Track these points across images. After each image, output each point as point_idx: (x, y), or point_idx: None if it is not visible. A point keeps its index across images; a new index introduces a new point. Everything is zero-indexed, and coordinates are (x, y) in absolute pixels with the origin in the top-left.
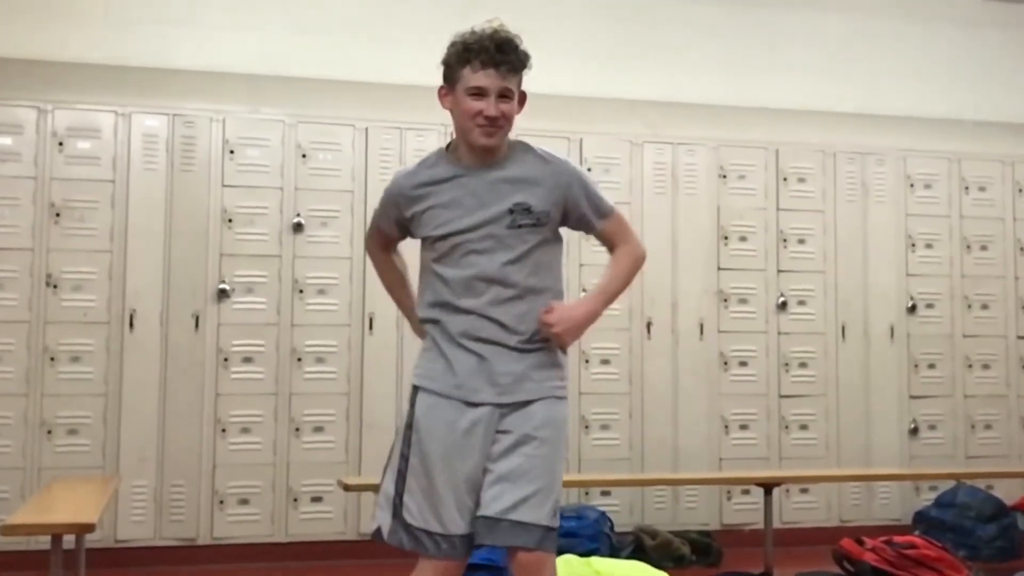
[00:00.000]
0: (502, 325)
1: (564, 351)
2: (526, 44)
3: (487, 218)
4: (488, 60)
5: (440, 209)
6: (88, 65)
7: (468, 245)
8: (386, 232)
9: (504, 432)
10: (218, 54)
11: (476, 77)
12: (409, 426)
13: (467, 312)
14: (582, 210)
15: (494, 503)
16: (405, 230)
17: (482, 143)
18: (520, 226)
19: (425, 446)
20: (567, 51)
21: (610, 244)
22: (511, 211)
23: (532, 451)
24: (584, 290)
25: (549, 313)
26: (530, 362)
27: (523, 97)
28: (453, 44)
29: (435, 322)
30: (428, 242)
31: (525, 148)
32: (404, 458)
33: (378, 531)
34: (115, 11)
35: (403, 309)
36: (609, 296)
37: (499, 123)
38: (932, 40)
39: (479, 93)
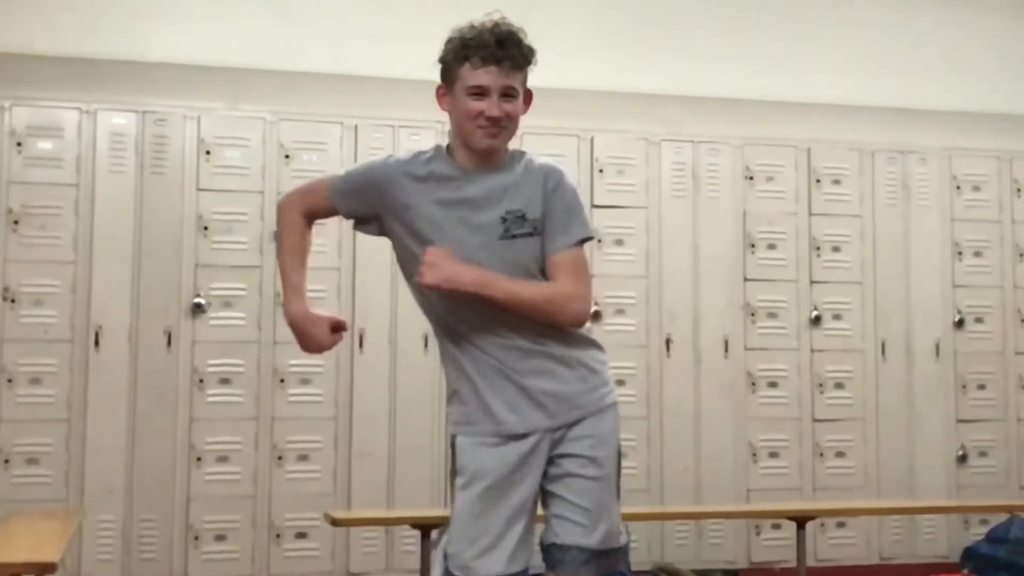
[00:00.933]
0: (516, 345)
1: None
2: (531, 35)
3: (481, 224)
4: (489, 56)
5: (434, 210)
6: (49, 58)
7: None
8: (328, 205)
9: (560, 456)
10: (193, 45)
11: (476, 75)
12: (454, 472)
13: (476, 336)
14: (552, 221)
15: (563, 533)
16: (364, 219)
17: (485, 145)
18: (514, 236)
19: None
20: (576, 41)
21: (552, 278)
22: (503, 219)
23: (590, 473)
24: (596, 303)
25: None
26: (566, 377)
27: (528, 96)
28: (450, 40)
29: (454, 351)
30: (414, 243)
31: (523, 154)
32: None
33: None
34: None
35: (288, 282)
36: (507, 292)
37: (502, 123)
38: (979, 27)
39: (480, 92)
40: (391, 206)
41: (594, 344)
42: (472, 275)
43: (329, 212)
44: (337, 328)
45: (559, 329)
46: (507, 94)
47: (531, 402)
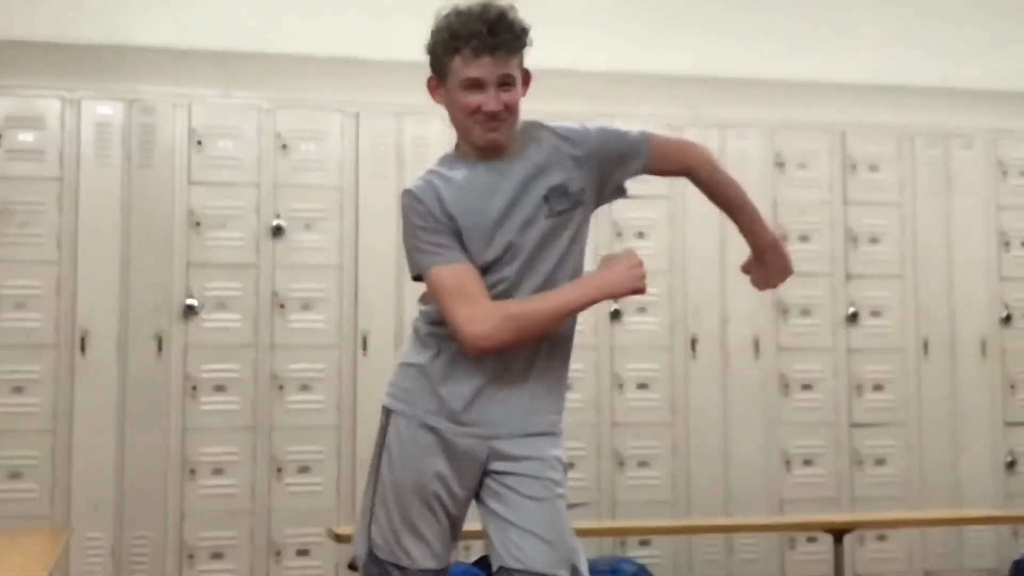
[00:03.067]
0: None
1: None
2: (540, 14)
3: (524, 217)
4: (480, 47)
5: (472, 222)
6: (29, 43)
7: (508, 251)
8: (472, 266)
9: (501, 473)
10: (182, 28)
11: (469, 68)
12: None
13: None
14: (632, 156)
15: (510, 556)
16: (458, 245)
17: (487, 140)
18: (560, 213)
19: None
20: (592, 20)
21: (679, 165)
22: (546, 198)
23: (537, 493)
24: (615, 301)
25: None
26: (551, 391)
27: (527, 76)
28: (437, 30)
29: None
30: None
31: (538, 127)
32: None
33: None
34: None
35: (572, 293)
36: (759, 214)
37: (502, 116)
38: None
39: (475, 85)
40: (454, 227)
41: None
42: (780, 241)
43: (473, 277)
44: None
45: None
46: (504, 82)
47: (499, 403)
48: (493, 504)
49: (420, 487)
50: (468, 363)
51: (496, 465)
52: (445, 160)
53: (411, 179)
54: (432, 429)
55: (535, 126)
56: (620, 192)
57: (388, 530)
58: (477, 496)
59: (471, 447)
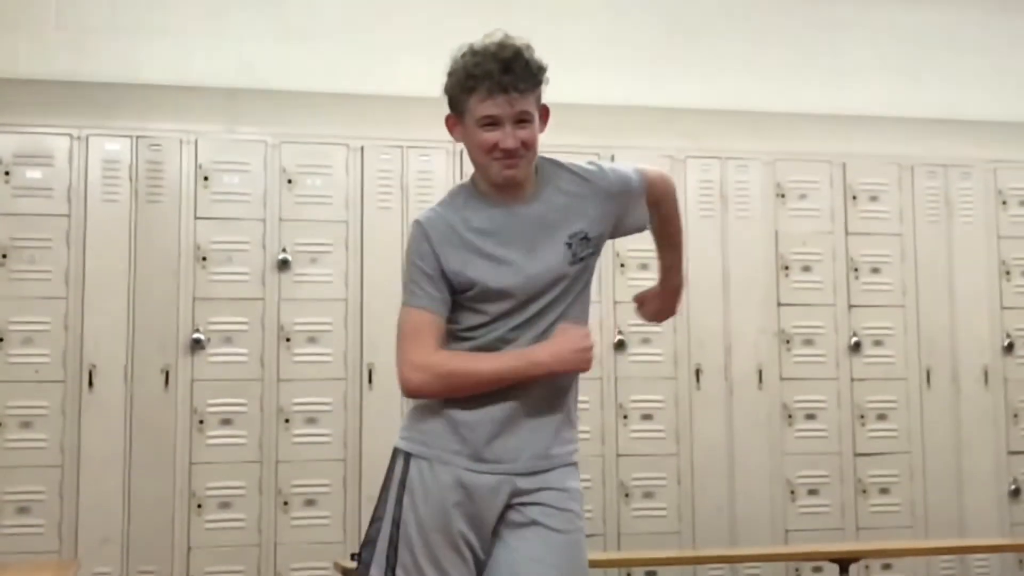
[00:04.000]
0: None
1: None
2: (545, 48)
3: (546, 263)
4: (495, 86)
5: (486, 260)
6: (37, 81)
7: (525, 299)
8: (438, 321)
9: (524, 504)
10: (189, 66)
11: (485, 106)
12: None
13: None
14: (639, 197)
15: None
16: (446, 292)
17: (502, 178)
18: (582, 259)
19: None
20: (593, 53)
21: (659, 194)
22: (568, 244)
23: (558, 525)
24: (620, 332)
25: (644, 308)
26: (560, 426)
27: (545, 112)
28: (452, 72)
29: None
30: (470, 301)
31: (556, 167)
32: None
33: None
34: (69, 19)
35: (511, 360)
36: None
37: (519, 153)
38: None
39: (492, 123)
40: (457, 268)
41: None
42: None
43: (439, 329)
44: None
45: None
46: (521, 120)
47: (519, 439)
48: (511, 538)
49: (446, 527)
50: (484, 401)
51: (518, 498)
52: (461, 193)
53: (418, 211)
54: (455, 469)
55: (553, 165)
56: (637, 230)
57: (415, 573)
58: (494, 530)
59: (494, 483)
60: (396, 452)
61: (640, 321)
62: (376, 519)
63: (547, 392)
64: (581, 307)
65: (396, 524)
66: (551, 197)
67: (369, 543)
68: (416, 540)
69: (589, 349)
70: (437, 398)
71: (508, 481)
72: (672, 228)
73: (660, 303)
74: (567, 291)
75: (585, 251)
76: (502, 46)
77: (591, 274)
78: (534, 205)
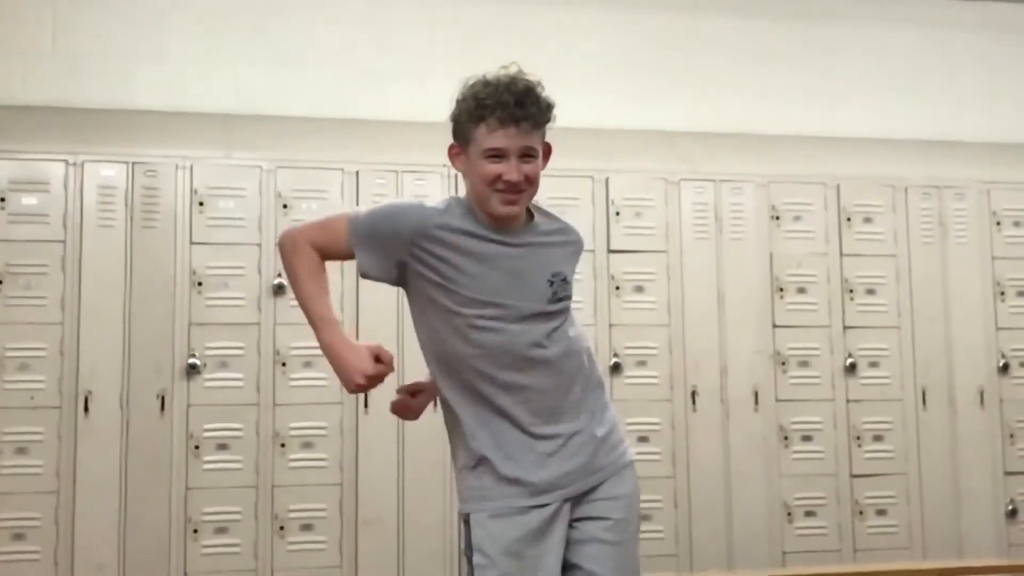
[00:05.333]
0: (557, 406)
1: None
2: (540, 71)
3: (531, 293)
4: (507, 118)
5: (471, 266)
6: (33, 107)
7: (501, 311)
8: (343, 245)
9: (581, 519)
10: (184, 91)
11: (493, 138)
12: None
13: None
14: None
15: None
16: (391, 270)
17: (502, 212)
18: (560, 299)
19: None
20: (588, 76)
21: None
22: (551, 283)
23: (612, 538)
24: (615, 354)
25: (414, 399)
26: (594, 439)
27: (548, 150)
28: (463, 99)
29: (486, 414)
30: (447, 299)
31: (539, 209)
32: None
33: None
34: (64, 44)
35: (313, 314)
36: None
37: (521, 187)
38: (1018, 54)
39: (497, 155)
40: (423, 258)
41: (606, 393)
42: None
43: (341, 254)
44: (380, 359)
45: (596, 385)
46: (526, 155)
47: (567, 459)
48: (568, 553)
49: (527, 568)
50: (517, 439)
51: (575, 513)
52: (459, 207)
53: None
54: (515, 511)
55: (537, 207)
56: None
57: None
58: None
59: (553, 512)
60: (459, 515)
61: (636, 343)
62: None
63: (569, 401)
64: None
65: None
66: (539, 236)
67: None
68: None
69: (354, 384)
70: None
71: (565, 504)
72: None
73: (419, 402)
74: (545, 320)
75: (563, 293)
76: (515, 80)
77: (567, 322)
78: (524, 239)
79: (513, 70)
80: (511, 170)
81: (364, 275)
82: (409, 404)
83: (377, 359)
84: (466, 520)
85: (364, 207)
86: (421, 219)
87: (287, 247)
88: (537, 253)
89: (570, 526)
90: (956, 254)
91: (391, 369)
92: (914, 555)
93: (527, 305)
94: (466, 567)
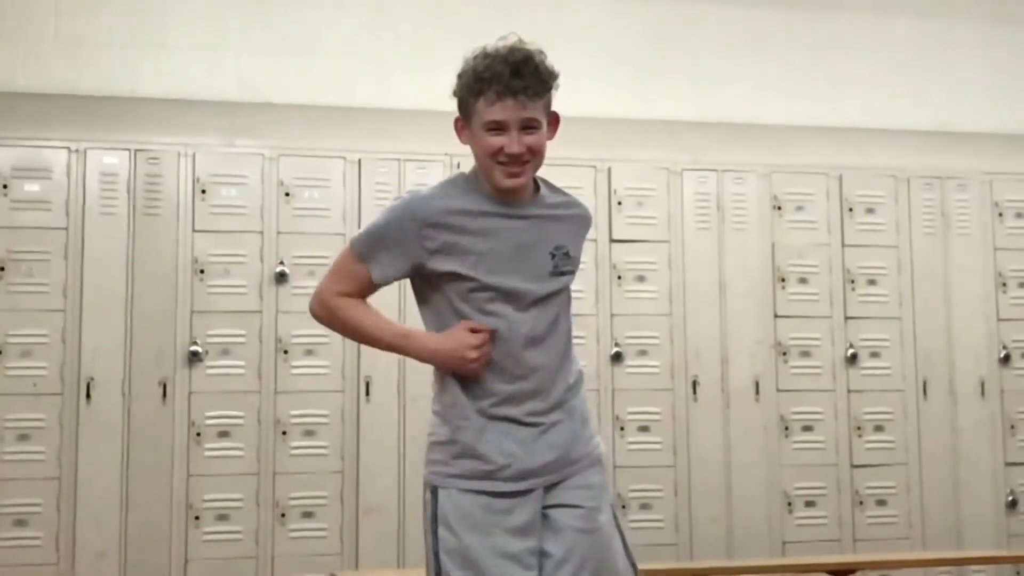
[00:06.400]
0: (551, 394)
1: None
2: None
3: (531, 265)
4: (504, 90)
5: (479, 244)
6: (35, 95)
7: (507, 297)
8: (364, 277)
9: (552, 506)
10: (187, 79)
11: (492, 110)
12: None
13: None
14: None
15: None
16: (414, 271)
17: (506, 184)
18: (562, 273)
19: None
20: (592, 66)
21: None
22: (552, 255)
23: (585, 526)
24: (617, 344)
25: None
26: (573, 429)
27: (555, 119)
28: (462, 73)
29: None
30: (459, 285)
31: (545, 182)
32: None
33: None
34: (67, 32)
35: (390, 337)
36: None
37: (524, 159)
38: (1020, 45)
39: (498, 128)
40: (437, 248)
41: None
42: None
43: (367, 283)
44: (473, 329)
45: (578, 379)
46: (528, 126)
47: (549, 448)
48: (545, 544)
49: (489, 544)
50: (501, 423)
51: (549, 500)
52: (460, 182)
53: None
54: (482, 496)
55: (546, 182)
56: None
57: None
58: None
59: (526, 502)
60: (424, 484)
61: (637, 332)
62: (427, 554)
63: (558, 394)
64: (566, 326)
65: (437, 555)
66: (545, 208)
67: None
68: (462, 566)
69: (470, 360)
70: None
71: (538, 492)
72: None
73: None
74: (550, 300)
75: (565, 266)
76: (513, 50)
77: (567, 297)
78: (530, 208)
79: (511, 40)
80: (512, 142)
81: (384, 282)
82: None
83: (472, 331)
84: (433, 491)
85: (360, 237)
86: (421, 208)
87: (320, 312)
88: (541, 226)
89: (542, 514)
90: (958, 245)
91: (488, 329)
92: (914, 545)
93: (530, 289)
94: (429, 540)
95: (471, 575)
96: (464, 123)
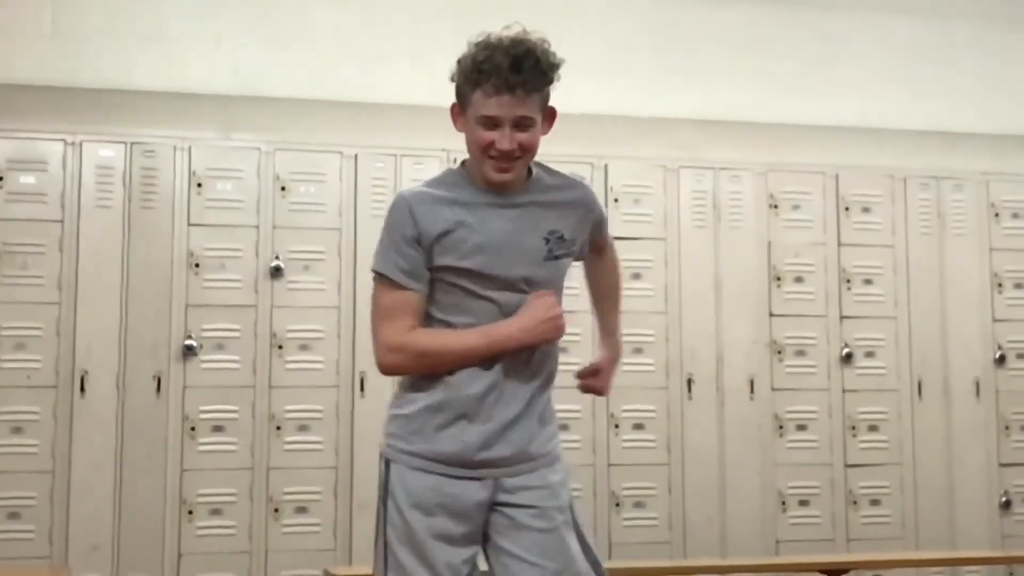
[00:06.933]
0: (535, 384)
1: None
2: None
3: (524, 253)
4: (502, 84)
5: (470, 235)
6: (32, 87)
7: (501, 284)
8: (411, 297)
9: (507, 504)
10: (183, 72)
11: (487, 105)
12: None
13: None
14: (604, 235)
15: None
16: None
17: (494, 178)
18: (556, 257)
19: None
20: (590, 63)
21: (603, 242)
22: (546, 240)
23: (541, 525)
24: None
25: (597, 379)
26: (539, 424)
27: (551, 114)
28: (462, 60)
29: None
30: (454, 275)
31: (540, 165)
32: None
33: None
34: (64, 24)
35: (478, 338)
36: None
37: (514, 155)
38: (1017, 46)
39: (491, 122)
40: (434, 241)
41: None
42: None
43: (414, 304)
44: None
45: (550, 377)
46: (522, 123)
47: (507, 444)
48: (498, 538)
49: (431, 527)
50: (454, 406)
51: (501, 497)
52: (449, 176)
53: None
54: (435, 476)
55: (542, 167)
56: (581, 256)
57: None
58: (485, 534)
59: (479, 486)
60: (380, 456)
61: (632, 330)
62: (376, 522)
63: (526, 392)
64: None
65: (384, 527)
66: (538, 194)
67: (374, 548)
68: (403, 541)
69: (557, 317)
70: (412, 375)
71: (492, 482)
72: (616, 279)
73: (607, 375)
74: (543, 285)
75: (560, 250)
76: (516, 42)
77: (563, 280)
78: (521, 196)
79: (515, 30)
80: (504, 139)
81: (424, 287)
82: (594, 385)
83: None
84: (387, 465)
85: (377, 262)
86: (414, 202)
87: (398, 360)
88: (534, 213)
89: (497, 510)
90: (954, 245)
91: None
92: (907, 545)
93: (523, 275)
94: (380, 510)
95: (411, 551)
96: (460, 110)
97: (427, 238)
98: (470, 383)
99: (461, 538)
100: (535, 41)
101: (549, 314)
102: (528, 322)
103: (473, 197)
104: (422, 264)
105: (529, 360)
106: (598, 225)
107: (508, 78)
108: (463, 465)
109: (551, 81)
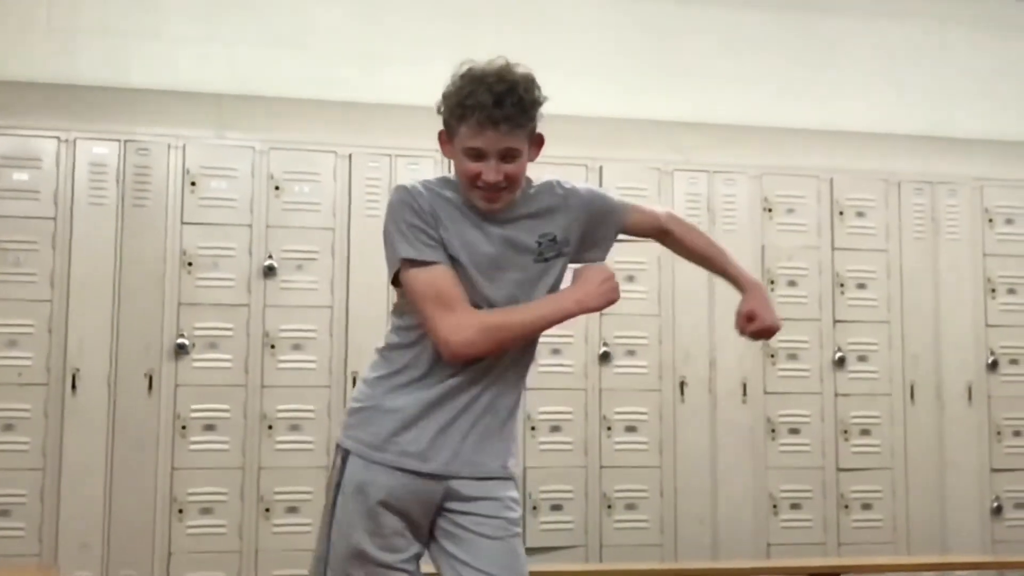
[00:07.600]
0: (514, 392)
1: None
2: (537, 59)
3: (514, 259)
4: (485, 120)
5: (457, 235)
6: (25, 83)
7: (485, 288)
8: (452, 274)
9: (456, 512)
10: (178, 70)
11: (473, 139)
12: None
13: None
14: (613, 214)
15: None
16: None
17: (483, 207)
18: (547, 259)
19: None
20: (582, 65)
21: (654, 225)
22: (539, 243)
23: (490, 533)
24: (605, 344)
25: (756, 322)
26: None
27: (539, 140)
28: (447, 95)
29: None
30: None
31: (542, 183)
32: None
33: None
34: (58, 21)
35: (546, 306)
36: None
37: (500, 186)
38: (1012, 51)
39: (477, 154)
40: (441, 223)
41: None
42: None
43: (455, 276)
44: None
45: (519, 397)
46: (508, 155)
47: (469, 452)
48: (447, 544)
49: (376, 527)
50: (423, 406)
51: (451, 504)
52: (443, 182)
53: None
54: (390, 470)
55: (530, 181)
56: (605, 249)
57: (341, 571)
58: (431, 535)
59: (428, 488)
60: (337, 447)
61: (625, 333)
62: (324, 510)
63: (492, 404)
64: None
65: (331, 517)
66: (526, 206)
67: (318, 541)
68: (344, 539)
69: (611, 278)
70: (483, 356)
71: (441, 486)
72: (696, 235)
73: (762, 310)
74: (533, 285)
75: (551, 252)
76: (499, 78)
77: (557, 279)
78: (510, 215)
79: (499, 64)
80: (490, 171)
81: (443, 257)
82: (759, 329)
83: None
84: (344, 457)
85: (400, 249)
86: (416, 193)
87: (476, 337)
88: (524, 225)
89: (445, 516)
90: (948, 250)
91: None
92: (898, 550)
93: (513, 276)
94: (329, 498)
95: (346, 544)
96: (447, 139)
97: (432, 217)
98: (437, 387)
99: (408, 536)
100: (519, 76)
101: (602, 277)
102: (585, 291)
103: (464, 211)
104: (437, 238)
105: (504, 373)
106: (602, 215)
107: (492, 114)
108: (416, 460)
109: (532, 118)
